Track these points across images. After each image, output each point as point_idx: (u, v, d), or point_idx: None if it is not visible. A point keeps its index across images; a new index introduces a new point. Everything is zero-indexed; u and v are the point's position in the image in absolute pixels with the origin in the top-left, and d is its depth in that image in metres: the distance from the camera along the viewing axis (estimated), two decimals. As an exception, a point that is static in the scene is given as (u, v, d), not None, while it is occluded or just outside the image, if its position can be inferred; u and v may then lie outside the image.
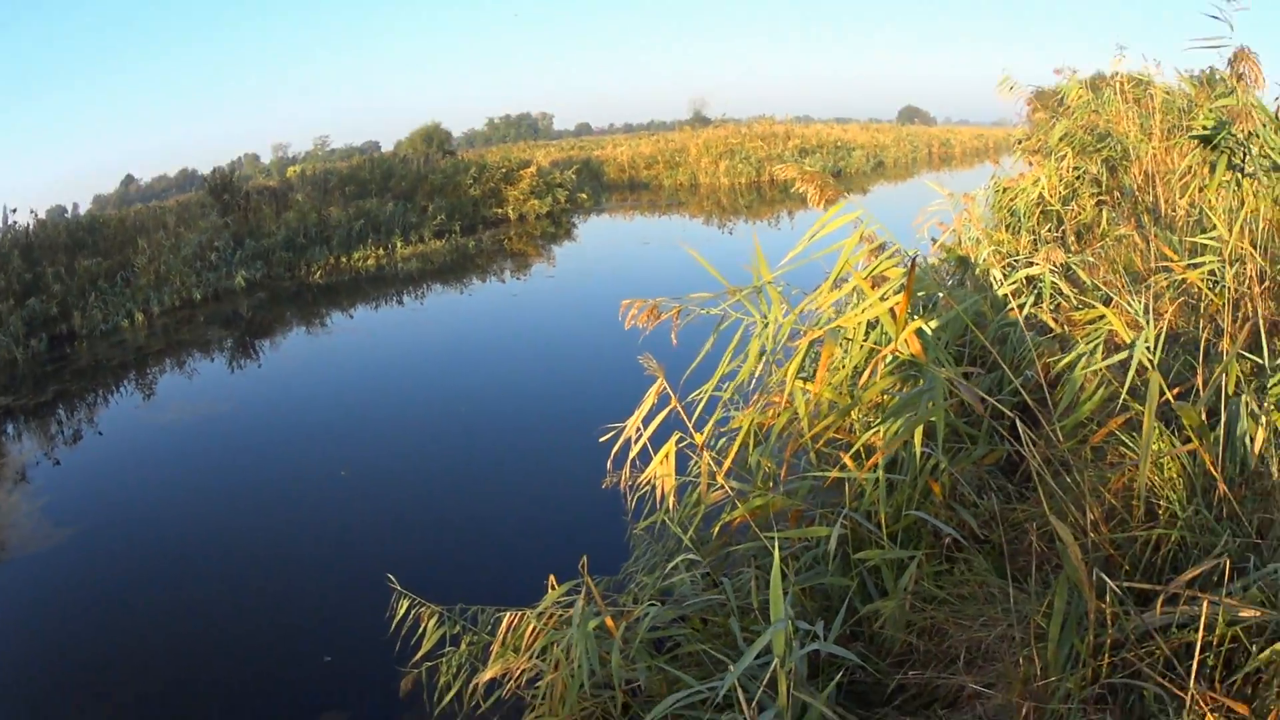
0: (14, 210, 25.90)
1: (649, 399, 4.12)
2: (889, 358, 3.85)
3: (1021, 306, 4.63)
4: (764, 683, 2.90)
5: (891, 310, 3.74)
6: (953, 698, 3.17)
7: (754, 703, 2.84)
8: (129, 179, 79.70)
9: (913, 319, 3.81)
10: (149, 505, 10.39)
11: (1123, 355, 3.59)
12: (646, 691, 3.97)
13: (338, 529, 8.65)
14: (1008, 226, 7.77)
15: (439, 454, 10.32)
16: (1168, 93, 8.12)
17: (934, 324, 3.93)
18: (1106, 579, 2.46)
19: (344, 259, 26.17)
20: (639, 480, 4.40)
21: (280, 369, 16.17)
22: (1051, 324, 4.93)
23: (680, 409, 4.10)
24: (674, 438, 4.13)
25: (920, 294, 4.50)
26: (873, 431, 3.87)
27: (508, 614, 4.35)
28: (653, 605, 4.03)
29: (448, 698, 4.72)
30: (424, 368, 14.64)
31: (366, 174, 32.71)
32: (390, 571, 5.03)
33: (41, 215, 27.44)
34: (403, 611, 4.95)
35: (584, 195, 34.20)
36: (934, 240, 6.87)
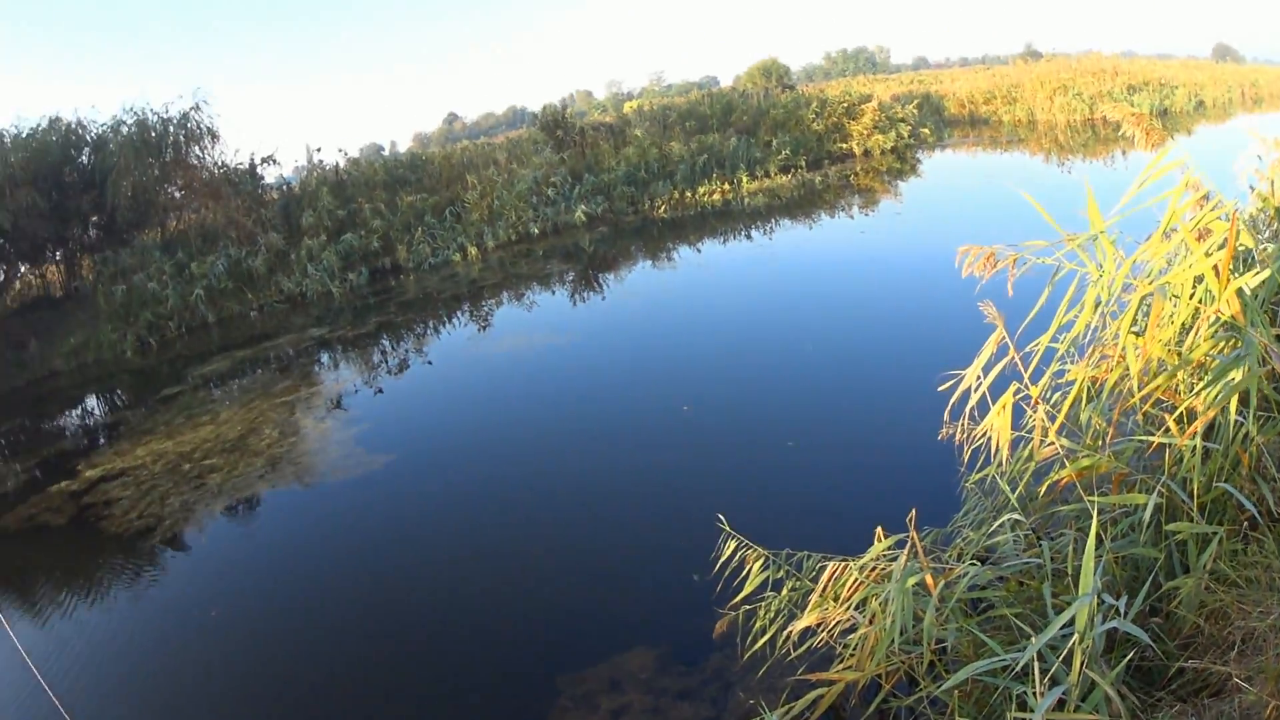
0: (319, 149, 28.17)
1: (988, 348, 4.21)
2: (1212, 318, 3.77)
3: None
4: (1061, 656, 2.98)
5: (1216, 268, 3.67)
6: (1219, 686, 3.11)
7: (1047, 677, 2.96)
8: (452, 116, 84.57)
9: (1235, 276, 3.71)
10: (476, 431, 10.83)
11: None
12: (954, 652, 4.04)
13: (672, 466, 8.80)
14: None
15: (777, 395, 10.24)
16: None
17: (1254, 282, 3.73)
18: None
19: (688, 194, 26.76)
20: (975, 432, 4.45)
21: (623, 303, 16.23)
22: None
23: (1018, 359, 4.18)
24: (1010, 389, 4.13)
25: (1240, 248, 4.27)
26: (1194, 395, 3.77)
27: (832, 563, 4.46)
28: (973, 565, 4.06)
29: (760, 642, 4.94)
30: (768, 306, 14.41)
31: (707, 109, 33.11)
32: (721, 512, 5.21)
33: (354, 154, 29.50)
34: (729, 552, 5.09)
35: (926, 130, 33.08)
36: (1252, 189, 6.66)
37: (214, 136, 25.05)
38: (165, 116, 24.15)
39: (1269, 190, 5.24)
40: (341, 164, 27.74)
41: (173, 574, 8.52)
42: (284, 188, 26.97)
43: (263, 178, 26.43)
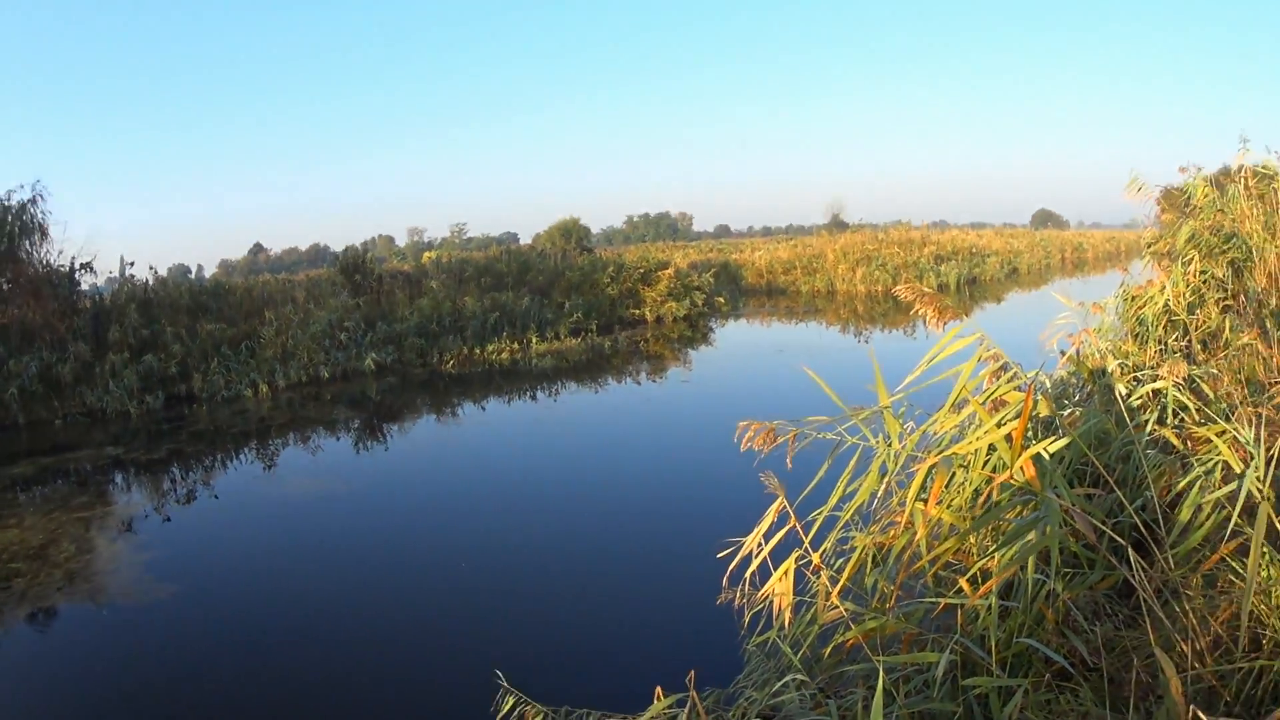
0: (131, 264, 27.47)
1: (769, 516, 4.14)
2: (1002, 483, 3.84)
3: (1145, 424, 4.66)
4: None
5: (1009, 436, 3.71)
6: None
7: None
8: (258, 247, 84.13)
9: (1033, 442, 3.80)
10: (255, 574, 10.62)
11: (1232, 487, 3.60)
12: None
13: (445, 620, 8.77)
14: (1135, 336, 7.71)
15: (558, 553, 10.36)
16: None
17: (1054, 448, 3.86)
18: (1202, 717, 2.46)
19: (477, 350, 26.79)
20: (757, 597, 4.38)
21: (406, 455, 16.35)
22: (1174, 441, 4.83)
23: (799, 527, 4.12)
24: (793, 555, 4.13)
25: (1041, 415, 4.50)
26: (988, 557, 3.88)
27: None
28: None
29: None
30: (551, 465, 14.69)
31: (504, 266, 33.62)
32: (498, 667, 4.95)
33: (162, 273, 29.00)
34: (508, 708, 4.80)
35: (721, 299, 34.42)
36: (1062, 353, 6.93)
37: (44, 233, 24.15)
38: (6, 205, 23.14)
39: (1082, 354, 5.34)
40: (150, 282, 27.28)
41: None
42: (96, 297, 26.17)
43: (79, 284, 25.55)
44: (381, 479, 14.75)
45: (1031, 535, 3.54)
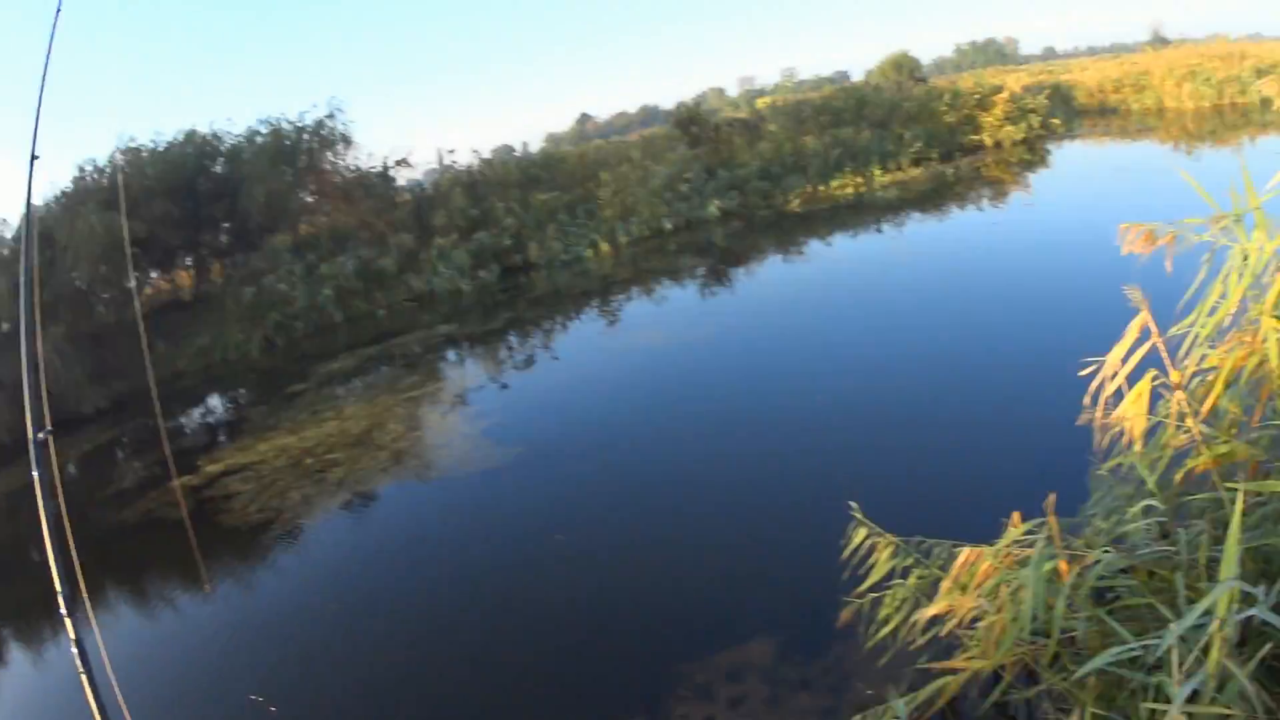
0: (452, 152, 28.51)
1: (1131, 333, 3.95)
2: None
3: None
4: (1199, 646, 2.79)
5: None
6: None
7: (1184, 668, 2.78)
8: (584, 117, 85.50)
9: None
10: (602, 426, 10.73)
11: None
12: (1081, 643, 3.83)
13: (801, 454, 8.68)
14: None
15: (910, 381, 10.03)
16: None
17: None
18: None
19: (821, 187, 26.53)
20: (1110, 419, 4.16)
21: (755, 296, 16.18)
22: None
23: (1161, 344, 3.90)
24: (1149, 375, 3.92)
25: None
26: None
27: (965, 550, 4.23)
28: (1106, 552, 3.84)
29: (884, 630, 4.73)
30: (899, 296, 14.12)
31: (840, 103, 32.72)
32: (851, 499, 4.98)
33: (487, 156, 29.73)
34: (859, 540, 4.88)
35: (1056, 121, 31.75)
36: None
37: (347, 142, 26.02)
38: (300, 125, 25.20)
39: None
40: (475, 165, 28.18)
41: (287, 567, 8.64)
42: (416, 190, 27.46)
43: (395, 180, 27.04)
44: (732, 322, 14.64)
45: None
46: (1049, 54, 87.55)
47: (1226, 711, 2.74)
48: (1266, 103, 28.55)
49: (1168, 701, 2.78)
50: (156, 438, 13.84)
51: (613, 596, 6.87)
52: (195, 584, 8.42)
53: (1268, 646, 2.98)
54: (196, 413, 16.56)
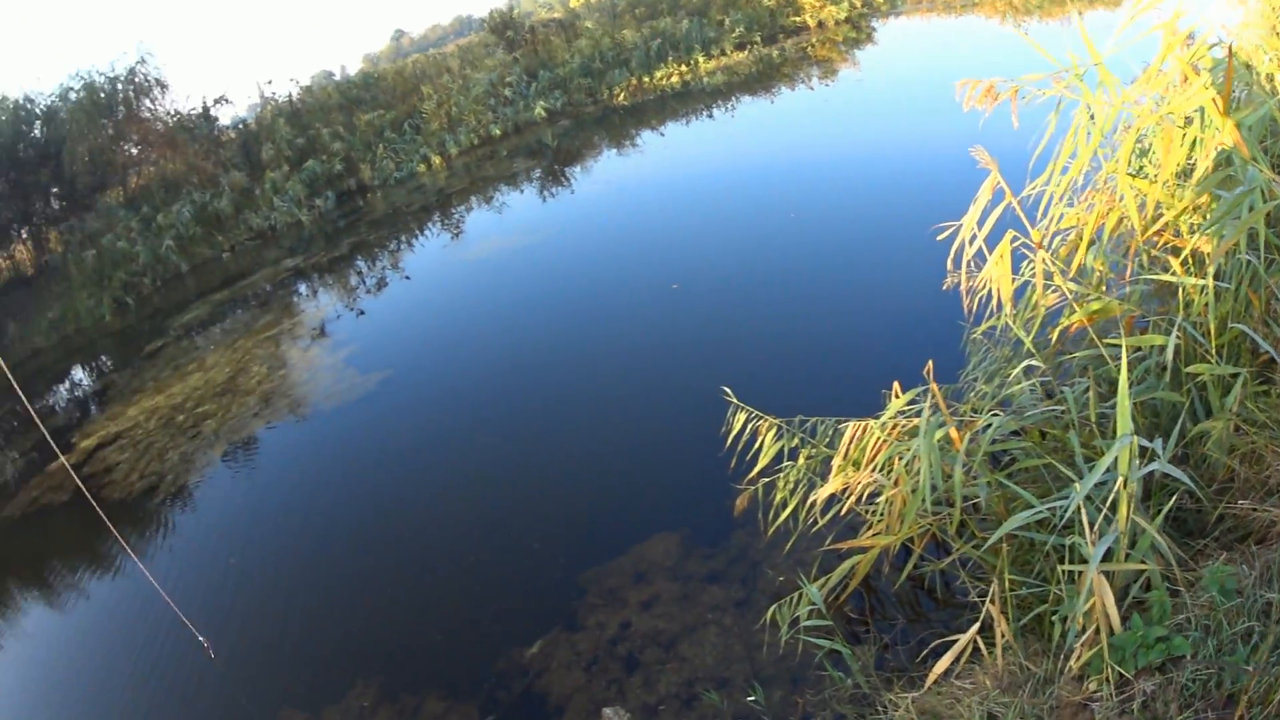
0: (269, 82, 28.00)
1: (984, 194, 3.92)
2: (1213, 151, 3.57)
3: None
4: (1107, 503, 2.83)
5: (1214, 99, 3.45)
6: (1263, 533, 3.00)
7: (1095, 526, 2.81)
8: (399, 33, 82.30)
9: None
10: (464, 339, 10.66)
11: None
12: (985, 509, 3.91)
13: (668, 347, 8.68)
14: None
15: (767, 263, 10.04)
16: None
17: (1250, 118, 3.53)
18: None
19: (645, 79, 26.57)
20: (976, 282, 4.23)
21: (593, 192, 16.08)
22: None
23: (1016, 205, 3.90)
24: (1008, 236, 3.90)
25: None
26: (1199, 235, 3.60)
27: (850, 425, 4.23)
28: (995, 415, 3.88)
29: (784, 515, 4.80)
30: (744, 178, 14.06)
31: None
32: (725, 385, 4.99)
33: (306, 83, 29.39)
34: (739, 425, 4.84)
35: None
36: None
37: (163, 86, 25.08)
38: (112, 75, 24.01)
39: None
40: (295, 94, 27.69)
41: (181, 528, 8.46)
42: (240, 126, 26.86)
43: (217, 119, 26.39)
44: (574, 221, 14.64)
45: (1240, 209, 3.31)
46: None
47: (1141, 567, 2.83)
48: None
49: (1083, 562, 2.83)
50: (23, 425, 13.42)
51: (506, 508, 6.81)
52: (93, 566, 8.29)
53: (1173, 499, 3.10)
54: (62, 389, 15.78)
